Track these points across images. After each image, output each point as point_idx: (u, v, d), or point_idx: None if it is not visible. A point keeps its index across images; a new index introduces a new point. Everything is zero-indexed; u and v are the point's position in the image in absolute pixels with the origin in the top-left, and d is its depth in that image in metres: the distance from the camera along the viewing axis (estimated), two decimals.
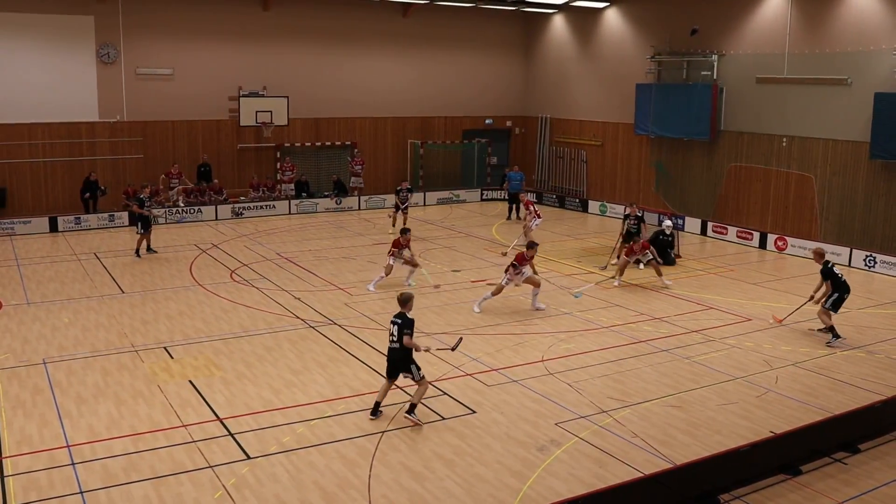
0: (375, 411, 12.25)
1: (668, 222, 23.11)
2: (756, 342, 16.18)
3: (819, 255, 16.87)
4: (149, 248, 23.76)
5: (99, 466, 10.57)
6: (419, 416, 12.08)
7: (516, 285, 18.32)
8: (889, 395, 12.85)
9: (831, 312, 16.27)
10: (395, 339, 11.99)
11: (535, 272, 19.14)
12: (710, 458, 10.37)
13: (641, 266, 21.72)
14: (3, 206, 28.14)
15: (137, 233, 23.82)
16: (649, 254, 20.71)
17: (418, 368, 12.14)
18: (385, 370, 12.41)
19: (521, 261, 17.97)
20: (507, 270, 18.12)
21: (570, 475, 10.50)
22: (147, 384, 13.53)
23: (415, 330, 12.08)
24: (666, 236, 22.97)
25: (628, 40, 32.23)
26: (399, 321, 12.00)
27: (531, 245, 18.70)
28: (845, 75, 24.45)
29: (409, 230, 21.07)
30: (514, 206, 30.78)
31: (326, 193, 32.65)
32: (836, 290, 16.22)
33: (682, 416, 12.48)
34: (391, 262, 20.11)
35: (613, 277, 20.91)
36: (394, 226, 27.06)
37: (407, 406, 12.18)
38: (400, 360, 12.06)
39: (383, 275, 20.08)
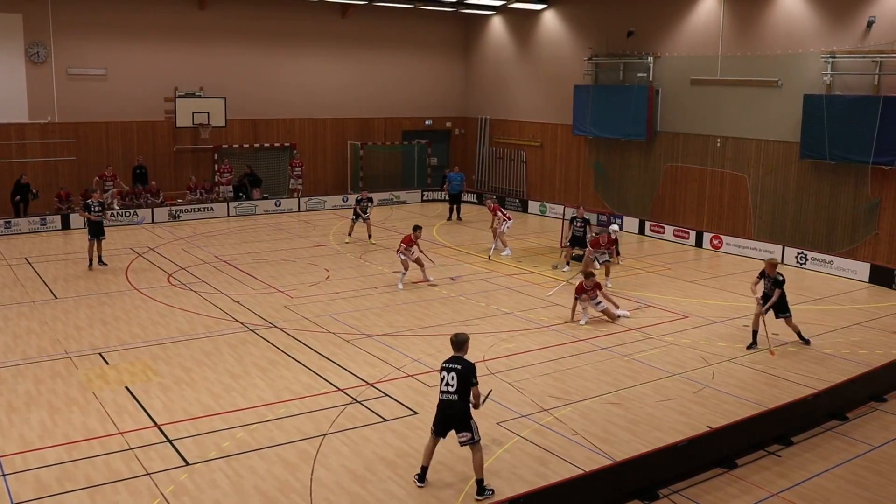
0: (423, 478, 10.34)
1: (614, 226, 23.37)
2: (693, 339, 16.43)
3: (773, 265, 16.23)
4: (100, 260, 22.08)
5: (31, 477, 10.32)
6: (491, 486, 10.17)
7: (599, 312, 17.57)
8: (820, 389, 13.15)
9: (783, 319, 16.22)
10: (452, 388, 9.97)
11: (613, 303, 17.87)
12: (650, 454, 10.50)
13: (598, 265, 20.93)
14: None
15: (88, 240, 22.15)
16: (606, 254, 20.76)
17: (477, 427, 10.15)
18: (434, 425, 10.27)
19: (579, 291, 17.32)
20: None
21: (513, 474, 10.55)
22: (82, 391, 13.25)
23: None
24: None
25: (566, 42, 32.52)
26: (459, 367, 9.99)
27: (588, 275, 17.53)
28: (776, 77, 24.99)
29: (420, 227, 21.11)
30: (454, 206, 30.83)
31: (256, 197, 32.17)
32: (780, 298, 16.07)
33: (622, 412, 12.62)
34: (402, 258, 20.29)
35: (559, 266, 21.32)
36: (350, 234, 26.20)
37: (475, 487, 10.09)
38: (457, 415, 10.02)
39: (403, 271, 20.27)
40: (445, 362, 10.19)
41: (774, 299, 15.92)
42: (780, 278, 16.07)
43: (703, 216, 27.65)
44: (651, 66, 28.82)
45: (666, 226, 27.77)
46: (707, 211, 27.57)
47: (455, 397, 9.97)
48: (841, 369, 14.75)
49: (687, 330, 17.09)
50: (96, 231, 21.94)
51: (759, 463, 11.04)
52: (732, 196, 26.75)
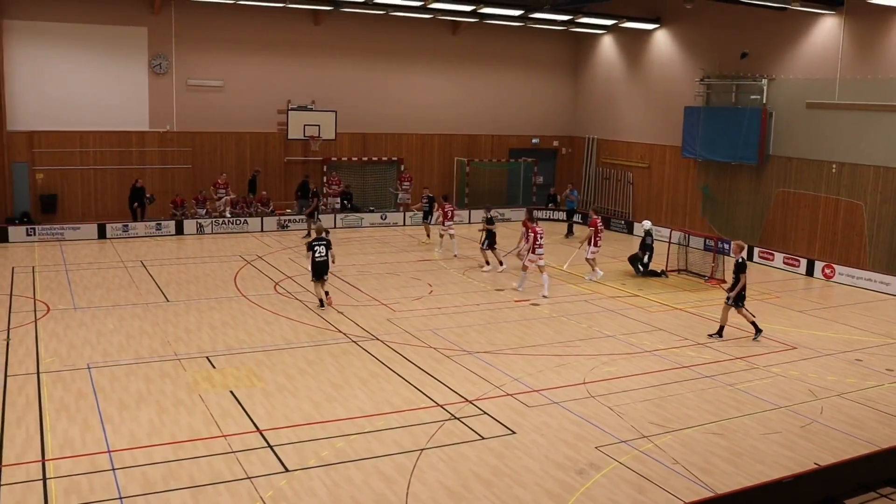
0: (323, 304, 19.21)
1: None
2: (801, 371, 15.92)
3: (740, 248, 18.22)
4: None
5: (139, 473, 10.67)
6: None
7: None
8: None
9: (734, 308, 17.64)
10: (323, 254, 18.95)
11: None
12: (752, 489, 10.21)
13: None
14: (54, 212, 28.69)
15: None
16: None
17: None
18: (314, 276, 19.20)
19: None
20: None
21: (609, 500, 10.39)
22: (188, 393, 13.65)
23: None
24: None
25: (677, 62, 32.06)
26: (325, 242, 19.19)
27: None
28: None
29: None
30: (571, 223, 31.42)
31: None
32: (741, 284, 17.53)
33: (724, 443, 12.30)
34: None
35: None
36: (429, 236, 28.58)
37: (320, 303, 19.27)
38: (325, 267, 19.09)
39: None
40: (316, 241, 19.20)
41: (739, 287, 17.37)
42: (739, 260, 17.60)
43: (815, 244, 26.79)
44: (765, 88, 28.12)
45: (776, 253, 27.01)
46: (819, 239, 26.70)
47: (325, 258, 19.06)
48: None
49: (795, 361, 16.56)
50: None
51: None
52: (847, 224, 25.84)
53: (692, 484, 10.90)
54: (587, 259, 23.69)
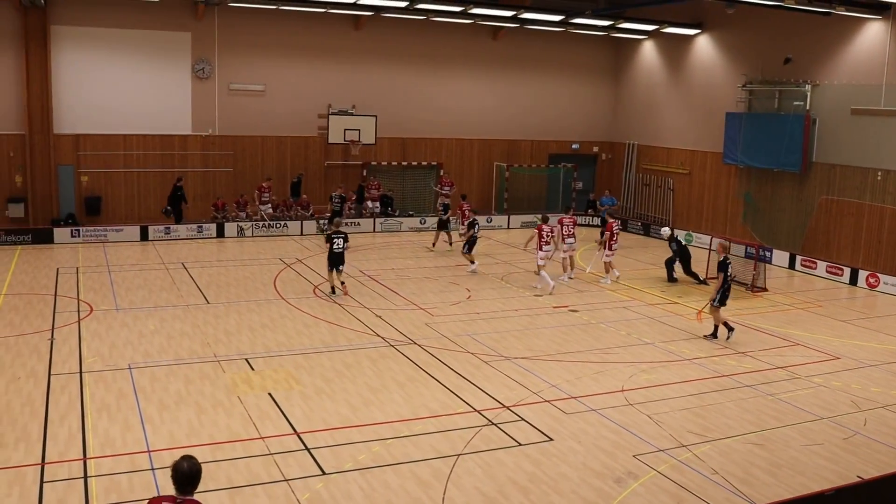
0: (335, 291, 20.78)
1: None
2: (844, 382, 15.67)
3: (723, 248, 18.43)
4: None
5: None
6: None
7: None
8: None
9: (720, 308, 17.83)
10: (340, 246, 20.41)
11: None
12: (793, 501, 10.04)
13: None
14: (98, 214, 29.12)
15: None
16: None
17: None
18: (332, 266, 20.68)
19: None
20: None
21: None
22: (227, 394, 13.75)
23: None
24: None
25: (719, 68, 31.78)
26: (344, 235, 20.66)
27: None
28: None
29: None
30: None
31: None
32: (724, 284, 17.72)
33: (765, 454, 12.14)
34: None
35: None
36: (451, 244, 28.23)
37: (331, 289, 20.90)
38: (343, 258, 20.58)
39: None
40: (335, 234, 20.51)
41: (718, 284, 17.68)
42: (723, 260, 17.88)
43: (860, 253, 26.39)
44: (808, 94, 27.76)
45: (818, 261, 26.62)
46: (864, 247, 26.30)
47: (342, 249, 20.47)
48: None
49: (838, 372, 16.31)
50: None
51: None
52: (892, 232, 25.41)
53: (731, 495, 10.77)
54: (604, 262, 23.72)
